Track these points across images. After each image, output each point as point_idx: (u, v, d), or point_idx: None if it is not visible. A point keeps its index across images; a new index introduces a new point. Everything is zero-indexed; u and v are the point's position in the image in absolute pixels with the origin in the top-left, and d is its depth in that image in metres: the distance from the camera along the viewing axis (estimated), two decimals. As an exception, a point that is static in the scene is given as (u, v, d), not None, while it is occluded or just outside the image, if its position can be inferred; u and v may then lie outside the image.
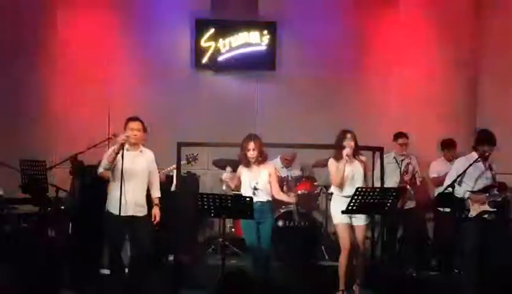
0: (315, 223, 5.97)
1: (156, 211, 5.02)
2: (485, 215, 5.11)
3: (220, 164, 6.34)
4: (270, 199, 4.95)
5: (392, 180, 5.91)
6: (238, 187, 5.11)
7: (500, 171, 5.40)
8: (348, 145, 4.97)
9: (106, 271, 5.53)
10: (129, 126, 4.97)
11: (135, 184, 4.89)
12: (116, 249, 5.01)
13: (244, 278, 2.58)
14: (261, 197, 4.88)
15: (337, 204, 5.01)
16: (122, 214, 4.77)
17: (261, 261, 4.92)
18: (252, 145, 4.93)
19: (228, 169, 5.32)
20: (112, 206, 4.89)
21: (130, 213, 4.86)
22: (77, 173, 5.91)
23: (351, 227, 5.02)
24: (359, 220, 4.99)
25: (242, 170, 5.04)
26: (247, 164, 4.99)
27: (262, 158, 4.99)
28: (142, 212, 4.98)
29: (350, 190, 4.88)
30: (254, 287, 2.56)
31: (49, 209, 5.59)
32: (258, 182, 4.90)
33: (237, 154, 5.07)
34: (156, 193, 5.10)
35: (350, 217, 4.96)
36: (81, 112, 6.91)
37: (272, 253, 5.77)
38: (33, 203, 5.71)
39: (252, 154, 4.94)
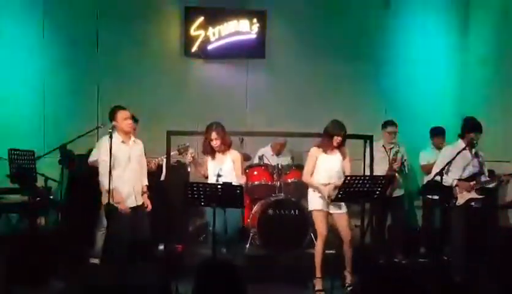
0: (304, 211, 5.98)
1: (146, 200, 5.11)
2: (473, 203, 5.16)
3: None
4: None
5: (381, 169, 5.94)
6: (205, 173, 5.14)
7: (488, 159, 5.46)
8: (336, 141, 4.99)
9: (96, 260, 5.54)
10: (122, 115, 4.98)
11: (134, 173, 5.00)
12: (122, 242, 4.89)
13: (226, 268, 2.57)
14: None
15: (315, 192, 5.05)
16: (131, 205, 4.93)
17: (230, 247, 4.99)
18: (214, 135, 4.98)
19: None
20: (121, 198, 4.90)
21: (135, 203, 4.99)
22: (66, 162, 5.88)
23: (330, 215, 5.06)
24: (337, 208, 5.01)
25: (207, 159, 5.10)
26: (211, 153, 5.04)
27: (226, 146, 5.04)
28: (141, 200, 5.10)
29: (327, 179, 4.96)
30: (239, 277, 2.56)
31: (38, 198, 5.56)
32: (221, 169, 4.93)
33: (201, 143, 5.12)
34: (144, 181, 5.14)
35: (328, 205, 4.99)
36: (70, 101, 6.84)
37: (261, 241, 5.83)
38: (22, 192, 5.67)
39: (215, 143, 4.99)
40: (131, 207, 4.98)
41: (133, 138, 5.12)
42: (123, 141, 5.00)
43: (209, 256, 4.81)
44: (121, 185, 4.89)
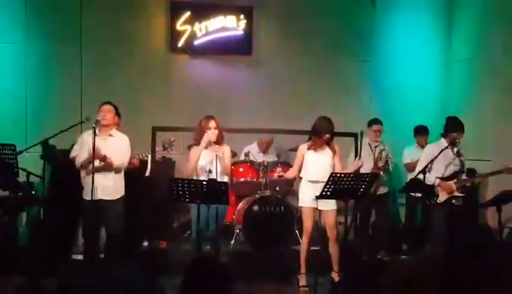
0: (290, 208, 6.00)
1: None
2: (454, 201, 5.23)
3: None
4: (226, 180, 4.98)
5: (366, 166, 5.97)
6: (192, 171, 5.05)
7: (469, 158, 5.52)
8: (325, 137, 5.01)
9: (79, 257, 5.49)
10: (100, 108, 5.05)
11: (103, 168, 4.93)
12: (89, 235, 5.02)
13: (213, 265, 2.58)
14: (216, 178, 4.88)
15: (304, 188, 5.08)
16: (92, 199, 4.87)
17: (213, 243, 5.01)
18: (213, 123, 5.00)
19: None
20: (85, 192, 4.97)
21: (99, 197, 4.92)
22: (48, 157, 5.80)
23: (320, 212, 5.07)
24: (327, 205, 5.01)
25: (199, 151, 5.01)
26: (207, 144, 5.00)
27: (220, 138, 5.07)
28: (112, 196, 5.02)
29: (317, 176, 4.97)
30: (225, 273, 2.56)
31: (19, 194, 5.48)
32: (212, 163, 4.92)
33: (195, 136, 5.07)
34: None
35: (317, 202, 5.00)
36: (52, 95, 6.75)
37: (246, 237, 5.83)
38: (3, 187, 5.58)
39: (213, 132, 4.99)
40: (96, 200, 4.90)
41: (112, 132, 5.08)
42: (98, 134, 4.96)
43: (194, 253, 4.80)
44: (86, 178, 4.97)
